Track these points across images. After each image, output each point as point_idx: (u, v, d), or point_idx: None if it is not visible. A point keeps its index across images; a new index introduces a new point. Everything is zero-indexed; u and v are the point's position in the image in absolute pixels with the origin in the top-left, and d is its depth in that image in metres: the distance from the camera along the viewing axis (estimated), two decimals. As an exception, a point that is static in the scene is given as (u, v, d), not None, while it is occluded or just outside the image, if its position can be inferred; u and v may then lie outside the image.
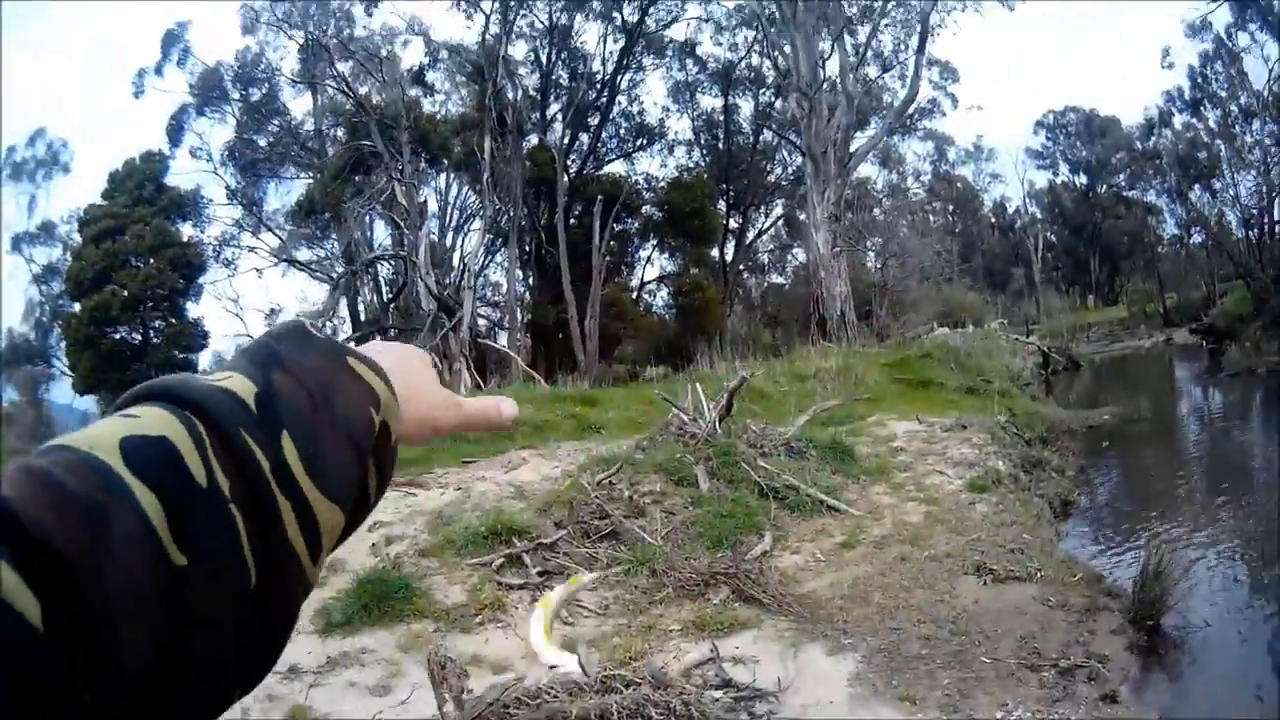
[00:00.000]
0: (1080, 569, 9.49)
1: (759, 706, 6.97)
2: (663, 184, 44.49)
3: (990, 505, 11.56)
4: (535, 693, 6.60)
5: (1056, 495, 13.42)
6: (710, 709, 6.50)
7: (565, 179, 38.57)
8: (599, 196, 36.62)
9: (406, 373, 0.83)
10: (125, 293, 35.66)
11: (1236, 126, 45.03)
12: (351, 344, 0.79)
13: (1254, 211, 43.89)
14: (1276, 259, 38.29)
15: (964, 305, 44.21)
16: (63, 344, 38.86)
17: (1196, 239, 57.47)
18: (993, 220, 76.36)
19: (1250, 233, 43.80)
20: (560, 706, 6.34)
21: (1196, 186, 49.38)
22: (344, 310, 40.66)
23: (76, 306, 36.39)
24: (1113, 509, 13.94)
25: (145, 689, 0.54)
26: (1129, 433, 19.35)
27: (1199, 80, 46.65)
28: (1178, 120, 50.80)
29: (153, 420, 0.60)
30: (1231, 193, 45.61)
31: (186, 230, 39.84)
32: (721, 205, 45.10)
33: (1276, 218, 43.67)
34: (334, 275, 39.98)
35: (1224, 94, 45.54)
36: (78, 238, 38.39)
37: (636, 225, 43.64)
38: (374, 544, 10.65)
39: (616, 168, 45.55)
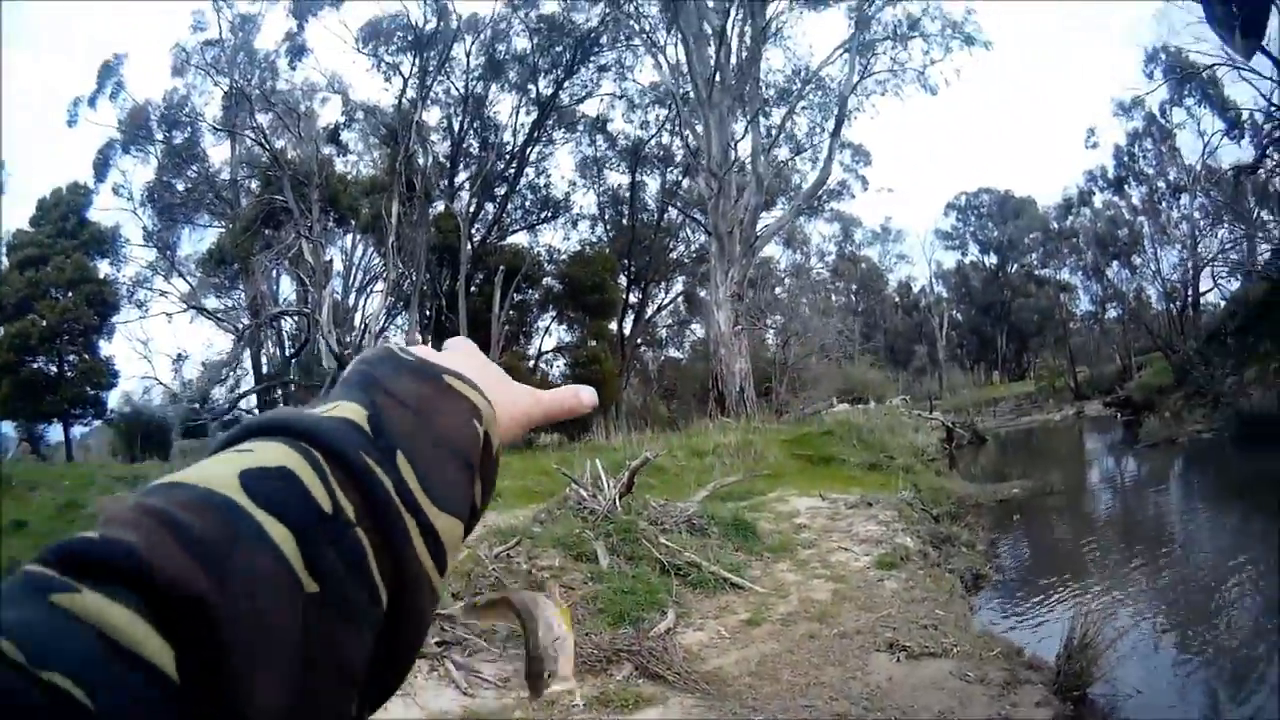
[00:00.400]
0: (998, 643, 9.28)
1: (666, 789, 6.62)
2: (565, 257, 44.81)
3: (900, 581, 11.40)
4: None
5: (968, 569, 13.27)
6: None
7: (469, 247, 38.56)
8: (500, 267, 36.79)
9: (489, 378, 0.83)
10: (44, 323, 35.85)
11: (1163, 202, 46.74)
12: (402, 346, 0.79)
13: (1177, 285, 45.66)
14: (1200, 330, 39.38)
15: (865, 382, 44.89)
16: None
17: (1112, 314, 59.35)
18: (897, 299, 78.02)
19: (1172, 305, 45.48)
20: None
21: (1115, 263, 51.02)
22: (247, 362, 41.30)
23: (0, 330, 36.55)
24: (1026, 580, 13.87)
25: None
26: (1040, 505, 19.48)
27: (1125, 159, 48.50)
28: (1098, 199, 52.81)
29: (269, 453, 0.60)
30: (1153, 267, 47.48)
31: (104, 267, 40.01)
32: (622, 280, 45.30)
33: (1201, 289, 45.32)
34: (239, 326, 40.42)
35: (1151, 171, 47.55)
36: (5, 261, 38.24)
37: (537, 296, 43.56)
38: None
39: (520, 238, 45.92)
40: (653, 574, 10.94)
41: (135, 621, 0.45)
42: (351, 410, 0.66)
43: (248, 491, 0.54)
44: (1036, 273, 69.44)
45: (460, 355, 0.85)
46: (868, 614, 10.02)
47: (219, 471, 0.56)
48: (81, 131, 46.70)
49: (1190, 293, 45.02)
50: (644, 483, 14.97)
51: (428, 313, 39.28)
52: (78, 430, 40.03)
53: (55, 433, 38.86)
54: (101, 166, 39.69)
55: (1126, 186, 49.41)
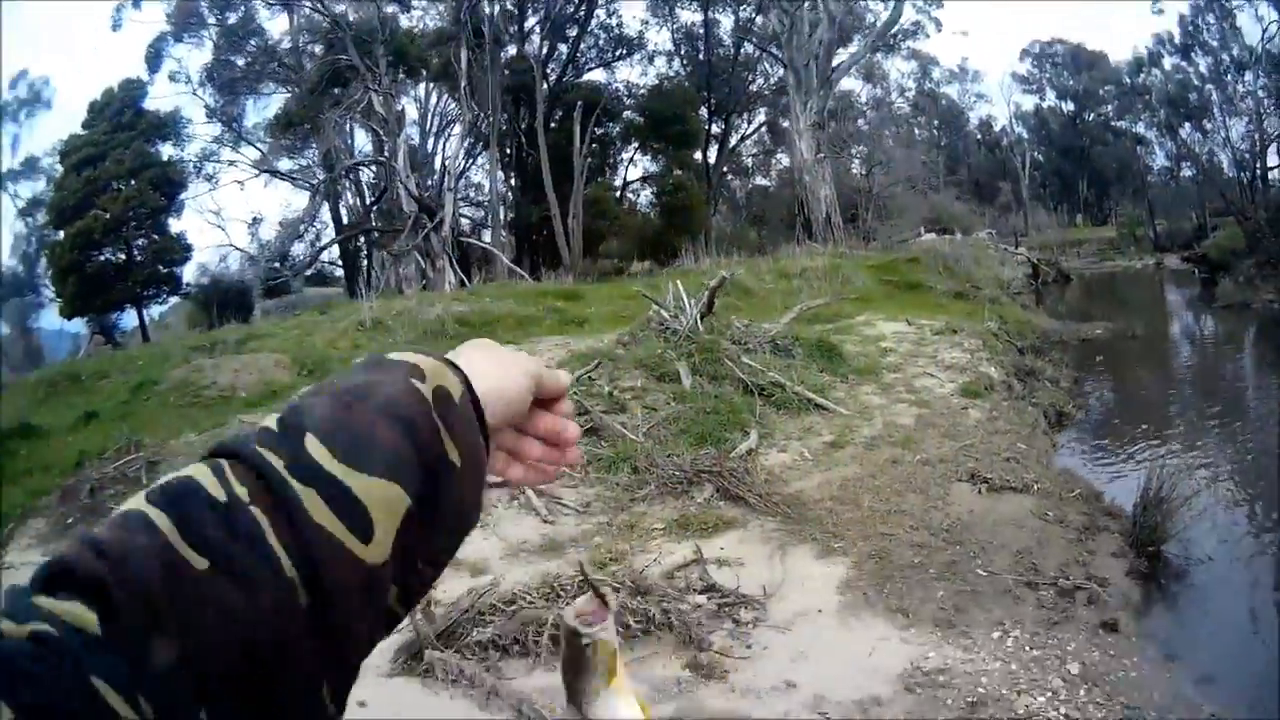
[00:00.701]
0: (1078, 483, 9.02)
1: (744, 613, 6.51)
2: (643, 91, 43.56)
3: (983, 411, 11.10)
4: (510, 598, 6.56)
5: (1051, 405, 12.85)
6: (690, 615, 6.23)
7: (544, 86, 37.65)
8: (579, 102, 35.94)
9: (486, 355, 0.90)
10: (107, 215, 34.46)
11: (1229, 75, 44.11)
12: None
13: (1246, 155, 43.08)
14: (1270, 202, 37.56)
15: (951, 214, 43.71)
16: (49, 273, 38.23)
17: (1187, 172, 56.58)
18: (979, 136, 75.41)
19: (1242, 174, 42.96)
20: (535, 613, 6.28)
21: (1187, 124, 48.64)
22: (326, 215, 40.41)
23: (60, 234, 35.71)
24: (1108, 424, 13.32)
25: (212, 674, 0.61)
26: (1122, 349, 18.82)
27: (1190, 28, 45.61)
28: (1167, 62, 49.97)
29: (185, 470, 0.68)
30: (1223, 134, 44.69)
31: (167, 150, 38.84)
32: (703, 112, 43.97)
33: (1270, 164, 42.84)
34: (314, 182, 39.49)
35: (1215, 44, 44.67)
36: (60, 168, 37.43)
37: (618, 129, 42.58)
38: None
39: (597, 75, 44.46)
40: (735, 394, 10.67)
41: (71, 602, 0.57)
42: (268, 418, 0.72)
43: (148, 499, 0.65)
44: (1113, 124, 66.52)
45: (465, 346, 0.91)
46: (951, 442, 9.75)
47: (139, 494, 0.66)
48: (126, 35, 45.33)
49: (1258, 165, 42.52)
50: (730, 305, 14.66)
51: (508, 151, 38.78)
52: (156, 311, 39.84)
53: (130, 319, 38.31)
54: (154, 59, 38.77)
55: (1193, 55, 46.79)
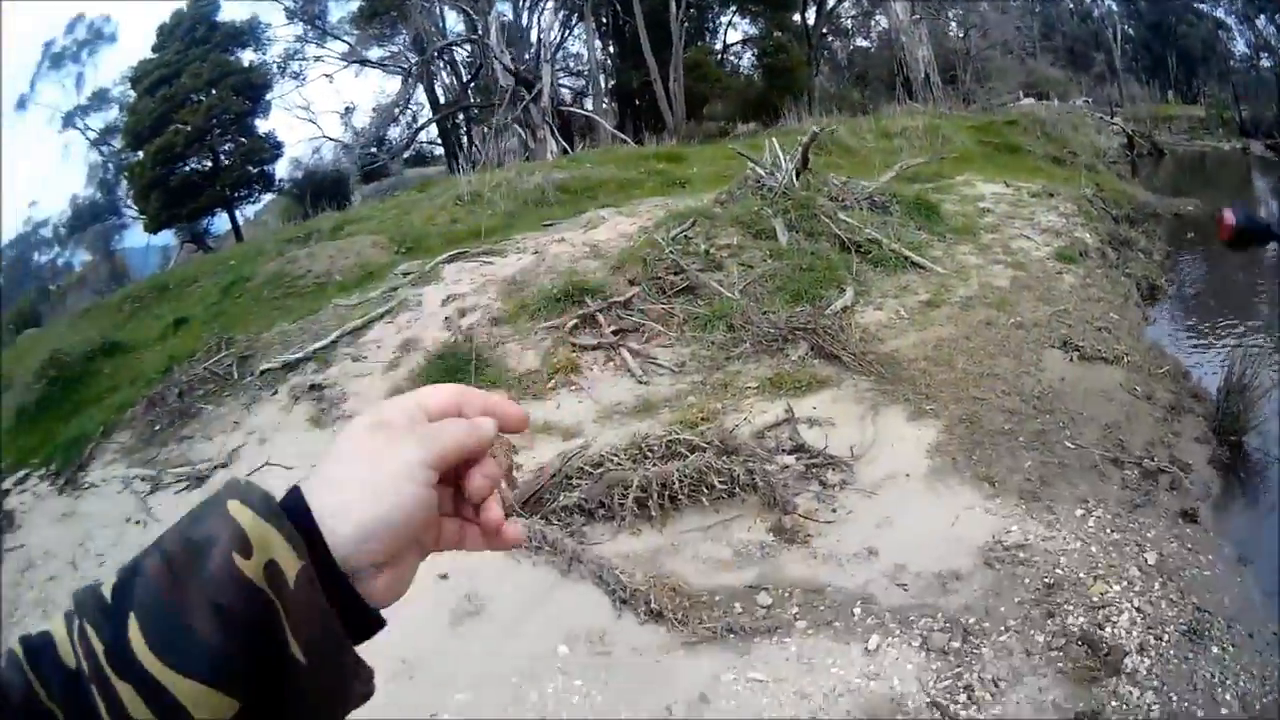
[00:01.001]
0: (1167, 361, 8.45)
1: (831, 475, 6.25)
2: (737, -47, 41.81)
3: (1078, 277, 10.47)
4: (598, 460, 6.31)
5: (1144, 278, 12.07)
6: (777, 477, 5.99)
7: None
8: (673, -34, 34.45)
9: (344, 448, 0.73)
10: (188, 127, 32.47)
11: None
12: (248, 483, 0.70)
13: None
14: None
15: (1047, 79, 42.15)
16: (129, 194, 36.96)
17: (1266, 62, 53.82)
18: (1070, 5, 72.25)
19: None
20: (622, 475, 6.04)
21: (1262, 16, 46.21)
22: (421, 96, 38.85)
23: (139, 155, 33.99)
24: (1199, 302, 12.51)
25: None
26: (1213, 228, 17.54)
27: None
28: None
29: (52, 620, 0.64)
30: None
31: (247, 57, 36.86)
32: (800, -29, 42.13)
33: None
34: (406, 66, 37.93)
35: None
36: (133, 94, 35.64)
37: (713, -7, 41.08)
38: (446, 317, 10.44)
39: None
40: (832, 251, 10.20)
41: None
42: (115, 573, 0.65)
43: (23, 649, 0.62)
44: (1195, 5, 63.19)
45: (328, 455, 0.72)
46: (1045, 306, 9.23)
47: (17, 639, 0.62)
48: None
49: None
50: (831, 163, 14.12)
51: (604, 19, 37.48)
52: (250, 211, 37.46)
53: (223, 223, 36.12)
54: (225, -30, 35.86)
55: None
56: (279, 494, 0.69)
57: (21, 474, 11.96)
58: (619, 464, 6.21)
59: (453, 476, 0.78)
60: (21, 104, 37.68)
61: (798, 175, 11.60)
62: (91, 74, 41.23)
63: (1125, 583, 4.92)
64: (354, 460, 0.71)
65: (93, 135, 38.51)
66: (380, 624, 0.72)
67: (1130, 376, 7.69)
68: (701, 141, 26.65)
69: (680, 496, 5.85)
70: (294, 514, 0.66)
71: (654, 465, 6.07)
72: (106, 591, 0.63)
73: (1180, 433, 7.01)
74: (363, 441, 0.72)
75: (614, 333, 8.95)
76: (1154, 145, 31.77)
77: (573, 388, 8.32)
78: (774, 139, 12.69)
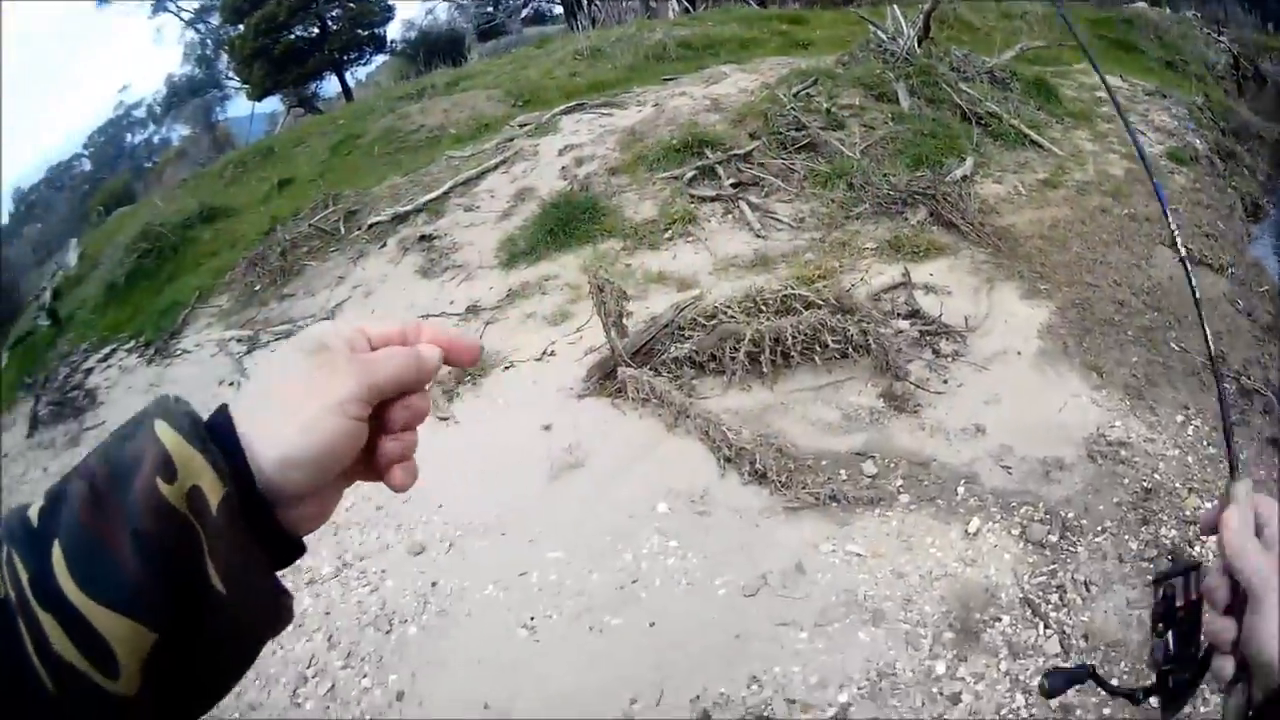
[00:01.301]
0: (1267, 280, 8.03)
1: (944, 345, 5.89)
2: None
3: (1188, 179, 9.87)
4: (712, 312, 5.98)
5: (1248, 194, 11.43)
6: (891, 340, 5.61)
7: None
8: None
9: (290, 381, 0.67)
10: None
11: None
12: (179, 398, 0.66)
13: None
14: None
15: (1160, -15, 39.84)
16: (230, 66, 35.58)
17: None
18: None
19: None
20: (734, 328, 5.71)
21: None
22: None
23: (240, 29, 32.14)
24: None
25: None
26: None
27: None
28: None
29: None
30: None
31: None
32: None
33: None
34: None
35: None
36: None
37: None
38: (563, 167, 10.10)
39: None
40: (952, 120, 9.65)
41: None
42: (43, 494, 0.61)
43: None
44: None
45: (256, 373, 0.69)
46: (1156, 203, 8.72)
47: None
48: None
49: None
50: (953, 38, 13.34)
51: None
52: (362, 72, 35.59)
53: (331, 86, 34.31)
54: None
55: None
56: (206, 413, 0.65)
57: (107, 350, 11.87)
58: (732, 317, 5.90)
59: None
60: (103, -1, 35.39)
61: (919, 43, 11.03)
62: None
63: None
64: (286, 385, 0.66)
65: (187, 15, 36.79)
66: (300, 550, 0.68)
67: (1234, 289, 7.36)
68: (823, 6, 25.84)
69: (793, 354, 5.55)
70: (220, 437, 0.62)
71: (768, 320, 5.76)
72: (34, 516, 0.59)
73: (1275, 355, 6.70)
74: (298, 366, 0.67)
75: (733, 185, 8.53)
76: (1258, 71, 30.28)
77: (689, 238, 8.04)
78: (894, 4, 12.13)
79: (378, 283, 9.57)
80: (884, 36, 11.24)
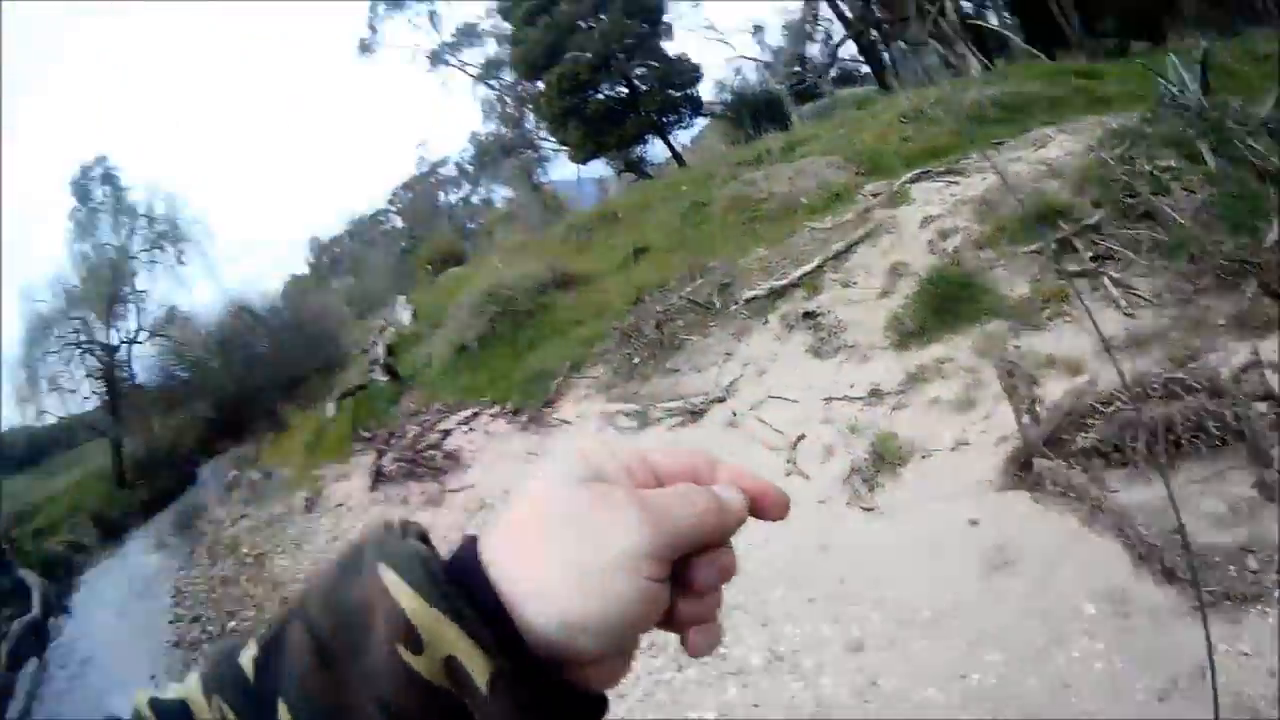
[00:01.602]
0: None
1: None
2: None
3: None
4: (1108, 399, 5.86)
5: None
6: (1258, 425, 5.26)
7: None
8: None
9: (538, 526, 0.54)
10: (588, 55, 29.37)
11: None
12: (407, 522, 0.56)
13: None
14: None
15: None
16: (540, 126, 34.99)
17: None
18: None
19: None
20: (1132, 416, 5.57)
21: None
22: (826, 11, 33.63)
23: (540, 85, 31.46)
24: None
25: None
26: None
27: None
28: None
29: (187, 685, 0.54)
30: None
31: None
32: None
33: None
34: None
35: None
36: (508, 25, 32.89)
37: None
38: (929, 240, 9.86)
39: None
40: (1250, 178, 8.90)
41: None
42: (254, 640, 0.53)
43: (154, 711, 0.52)
44: None
45: (539, 499, 0.55)
46: None
47: (142, 697, 0.53)
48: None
49: None
50: (1222, 86, 11.83)
51: None
52: (685, 136, 34.38)
53: (657, 150, 33.62)
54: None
55: None
56: (446, 547, 0.54)
57: (468, 413, 11.80)
58: (1126, 403, 5.73)
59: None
60: (365, 48, 36.10)
61: (1205, 93, 10.67)
62: (445, 10, 38.69)
63: None
64: (555, 526, 0.52)
65: (473, 71, 36.51)
66: (603, 703, 0.55)
67: None
68: (1107, 56, 24.93)
69: (1182, 442, 5.35)
70: (471, 588, 0.50)
71: (1156, 406, 5.55)
72: (248, 665, 0.52)
73: None
74: (567, 499, 0.53)
75: (1092, 259, 8.33)
76: None
77: (1066, 318, 7.74)
78: (1171, 54, 11.74)
79: (768, 361, 9.51)
80: (1175, 91, 10.88)
